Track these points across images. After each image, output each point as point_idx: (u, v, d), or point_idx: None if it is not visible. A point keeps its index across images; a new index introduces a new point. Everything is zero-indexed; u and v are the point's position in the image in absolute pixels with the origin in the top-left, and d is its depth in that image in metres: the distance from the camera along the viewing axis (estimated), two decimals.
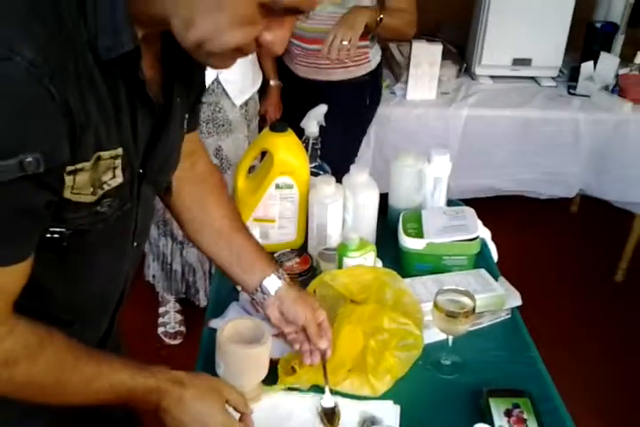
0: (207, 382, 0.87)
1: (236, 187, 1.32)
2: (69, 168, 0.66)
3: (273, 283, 1.01)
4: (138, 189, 0.80)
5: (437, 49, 2.23)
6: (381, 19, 1.78)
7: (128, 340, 1.13)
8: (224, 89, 1.90)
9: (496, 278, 1.23)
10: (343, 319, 1.05)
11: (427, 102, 2.32)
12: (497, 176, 2.38)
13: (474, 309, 1.03)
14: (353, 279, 1.11)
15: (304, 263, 1.28)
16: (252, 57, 2.00)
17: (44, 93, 0.60)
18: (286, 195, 1.30)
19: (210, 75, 1.88)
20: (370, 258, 1.21)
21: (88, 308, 0.86)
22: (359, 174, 1.30)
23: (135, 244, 0.87)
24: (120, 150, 0.71)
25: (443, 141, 2.25)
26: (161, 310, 2.29)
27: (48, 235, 0.71)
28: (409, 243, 1.26)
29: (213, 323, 1.14)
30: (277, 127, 1.28)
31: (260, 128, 2.06)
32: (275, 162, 1.27)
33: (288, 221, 1.33)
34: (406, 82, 2.28)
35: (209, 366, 1.05)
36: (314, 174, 1.34)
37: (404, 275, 1.16)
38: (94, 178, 0.69)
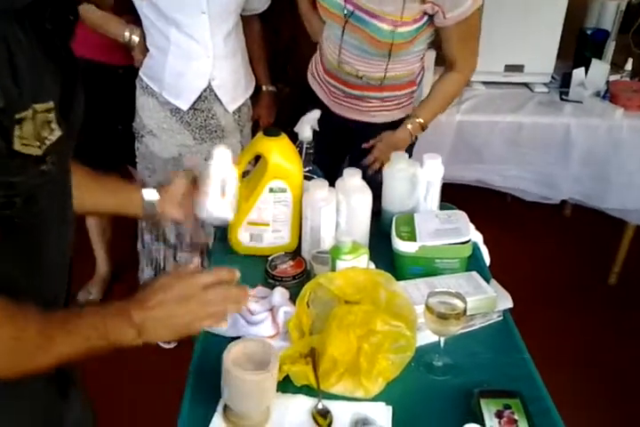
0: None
1: None
2: (16, 116, 0.66)
3: (151, 195, 1.13)
4: None
5: (431, 55, 2.25)
6: (425, 127, 1.79)
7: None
8: (217, 95, 1.90)
9: (488, 281, 1.24)
10: (336, 322, 1.05)
11: None
12: (486, 171, 2.38)
13: (465, 310, 1.03)
14: (347, 281, 1.12)
15: (298, 266, 1.29)
16: (244, 63, 2.01)
17: None
18: (280, 198, 1.31)
19: (202, 82, 1.88)
20: (363, 261, 1.21)
21: (47, 286, 0.85)
22: (352, 178, 1.31)
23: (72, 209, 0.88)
24: (51, 104, 0.70)
25: (435, 146, 2.26)
26: None
27: None
28: (402, 246, 1.27)
29: None
30: (271, 132, 1.29)
31: (254, 134, 2.06)
32: (268, 166, 1.28)
33: (282, 224, 1.34)
34: None
35: (203, 370, 1.06)
36: (307, 178, 1.35)
37: (398, 278, 1.17)
38: (36, 131, 0.69)
